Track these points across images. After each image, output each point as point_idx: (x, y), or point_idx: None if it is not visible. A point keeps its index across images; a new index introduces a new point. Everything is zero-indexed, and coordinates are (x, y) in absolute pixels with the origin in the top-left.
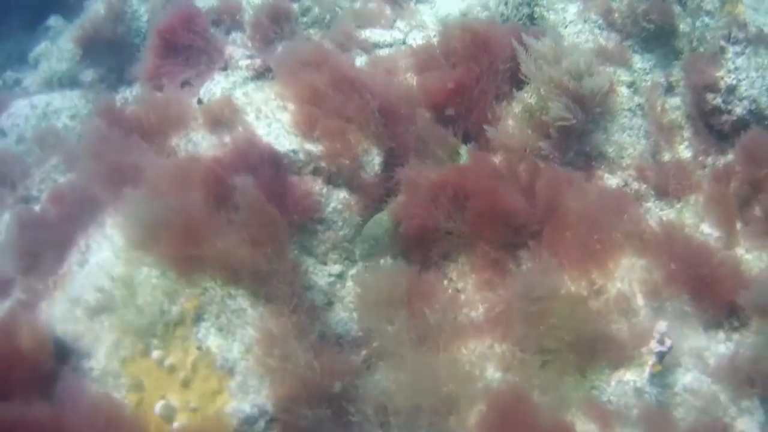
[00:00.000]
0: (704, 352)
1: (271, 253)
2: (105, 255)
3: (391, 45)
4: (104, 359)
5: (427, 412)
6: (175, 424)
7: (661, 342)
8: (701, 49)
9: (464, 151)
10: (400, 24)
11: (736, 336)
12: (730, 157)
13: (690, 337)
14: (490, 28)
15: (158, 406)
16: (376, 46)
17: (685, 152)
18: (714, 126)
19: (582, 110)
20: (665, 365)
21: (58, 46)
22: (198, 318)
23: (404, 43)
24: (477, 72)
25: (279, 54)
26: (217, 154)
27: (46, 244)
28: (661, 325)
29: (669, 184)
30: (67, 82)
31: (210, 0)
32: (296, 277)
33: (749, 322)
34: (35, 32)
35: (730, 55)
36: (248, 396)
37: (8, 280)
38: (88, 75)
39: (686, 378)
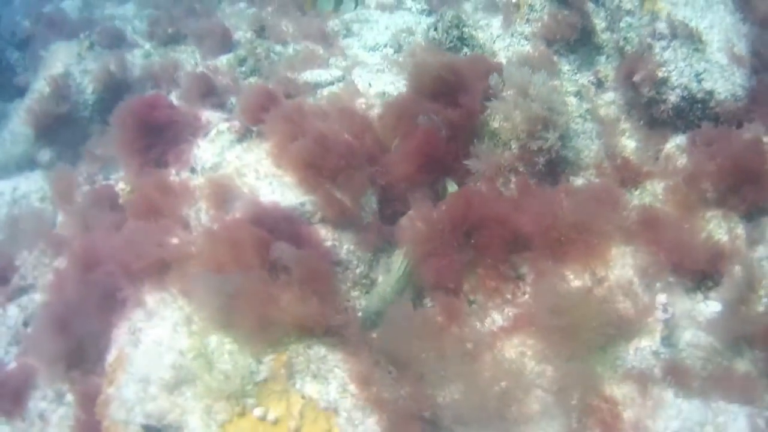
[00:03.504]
0: (692, 312)
1: (334, 303)
2: (161, 331)
3: (332, 83)
4: (201, 428)
5: (492, 408)
6: None
7: (664, 311)
8: (628, 48)
9: (450, 184)
10: (333, 61)
11: (712, 294)
12: (671, 143)
13: (678, 302)
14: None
15: None
16: (318, 86)
17: (629, 142)
18: (654, 115)
19: (554, 129)
20: (670, 328)
21: (9, 129)
22: (291, 370)
23: (343, 79)
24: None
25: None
26: (239, 218)
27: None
28: (662, 297)
29: (624, 176)
30: (25, 164)
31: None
32: (355, 318)
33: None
34: None
35: (657, 50)
36: (358, 428)
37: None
38: (45, 154)
39: (686, 335)
